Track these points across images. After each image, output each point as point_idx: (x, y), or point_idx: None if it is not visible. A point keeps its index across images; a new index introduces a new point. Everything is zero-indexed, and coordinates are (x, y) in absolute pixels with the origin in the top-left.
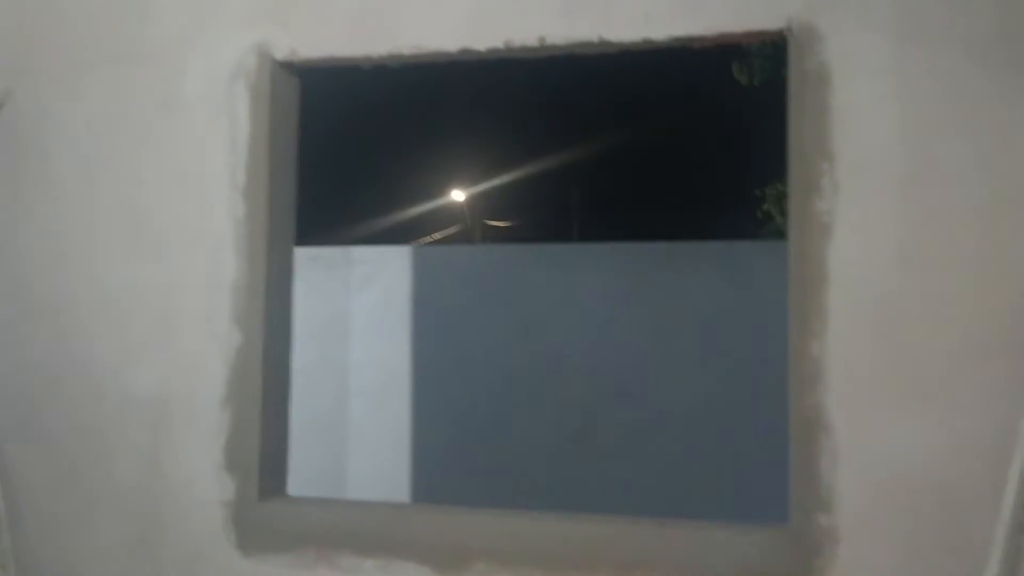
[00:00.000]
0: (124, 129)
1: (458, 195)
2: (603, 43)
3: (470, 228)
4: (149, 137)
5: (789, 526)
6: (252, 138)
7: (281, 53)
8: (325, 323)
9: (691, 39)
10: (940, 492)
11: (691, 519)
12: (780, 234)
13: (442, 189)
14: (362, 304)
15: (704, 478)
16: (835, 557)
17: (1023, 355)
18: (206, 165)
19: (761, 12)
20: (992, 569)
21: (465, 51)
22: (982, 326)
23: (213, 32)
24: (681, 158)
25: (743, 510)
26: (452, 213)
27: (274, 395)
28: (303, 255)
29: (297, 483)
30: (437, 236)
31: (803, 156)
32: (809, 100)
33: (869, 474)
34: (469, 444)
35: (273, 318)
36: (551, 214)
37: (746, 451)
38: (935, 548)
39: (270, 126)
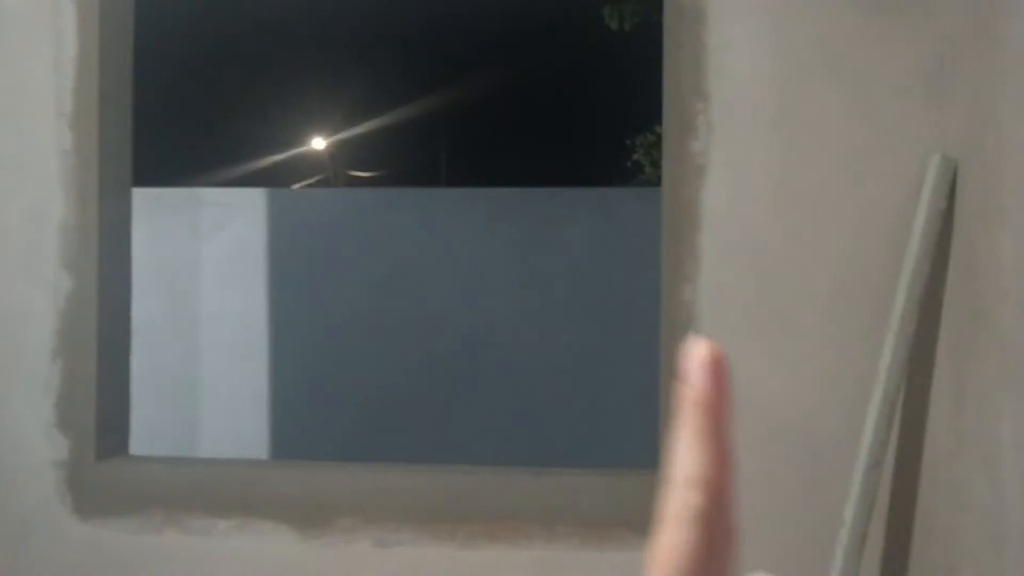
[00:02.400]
0: None
1: (319, 143)
2: None
3: (332, 178)
4: None
5: (659, 470)
6: (80, 59)
7: None
8: (172, 271)
9: None
10: (803, 432)
11: (563, 467)
12: (650, 184)
13: (302, 137)
14: (213, 251)
15: (577, 427)
16: None
17: (883, 299)
18: (28, 88)
19: None
20: (851, 504)
21: None
22: (847, 269)
23: None
24: (550, 106)
25: (616, 457)
26: (313, 162)
27: (112, 347)
28: (145, 196)
29: (144, 444)
30: (298, 187)
31: (678, 96)
32: (685, 37)
33: (737, 417)
34: (332, 399)
35: (109, 262)
36: (418, 163)
37: (619, 398)
38: (798, 486)
39: (100, 46)
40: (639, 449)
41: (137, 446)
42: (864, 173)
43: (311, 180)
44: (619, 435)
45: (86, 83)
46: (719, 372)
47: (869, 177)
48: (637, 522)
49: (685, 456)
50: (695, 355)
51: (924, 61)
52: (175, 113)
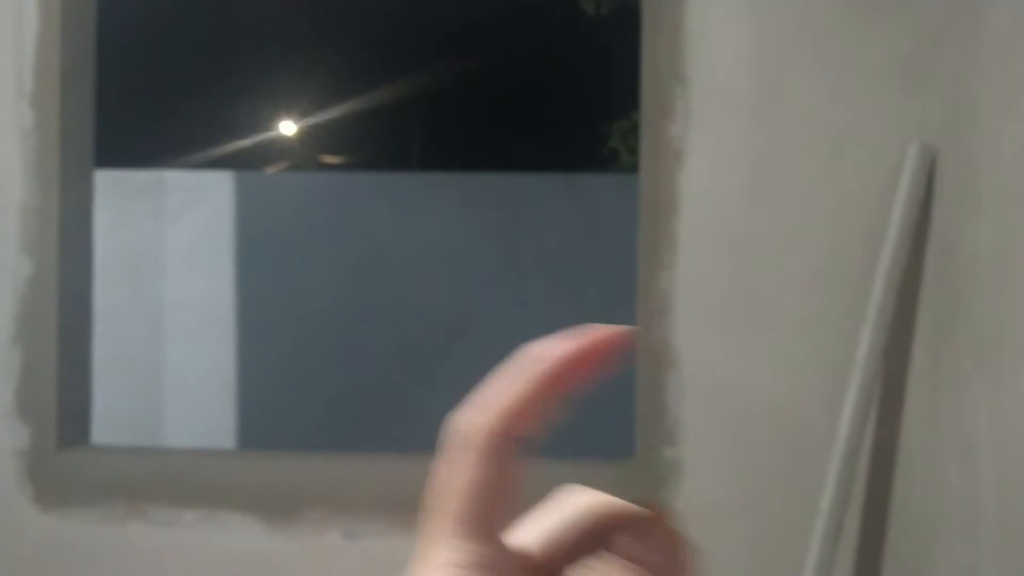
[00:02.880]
0: None
1: (288, 127)
2: None
3: (302, 164)
4: None
5: (635, 460)
6: (41, 36)
7: None
8: (136, 256)
9: None
10: (781, 421)
11: (537, 456)
12: (625, 171)
13: (270, 120)
14: (178, 236)
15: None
16: (679, 489)
17: (860, 283)
18: None
19: None
20: (828, 493)
21: None
22: (825, 256)
23: None
24: (525, 91)
25: (588, 444)
26: (282, 147)
27: (73, 333)
28: (107, 178)
29: (108, 432)
30: (266, 172)
31: (656, 79)
32: (663, 20)
33: (713, 405)
34: (301, 387)
35: (70, 245)
36: (390, 149)
37: (596, 387)
38: (776, 476)
39: (62, 23)
40: (615, 438)
41: (100, 434)
42: (843, 160)
43: (281, 166)
44: (595, 424)
45: (47, 61)
46: (593, 345)
47: (848, 164)
48: None
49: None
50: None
51: (904, 48)
52: (141, 95)
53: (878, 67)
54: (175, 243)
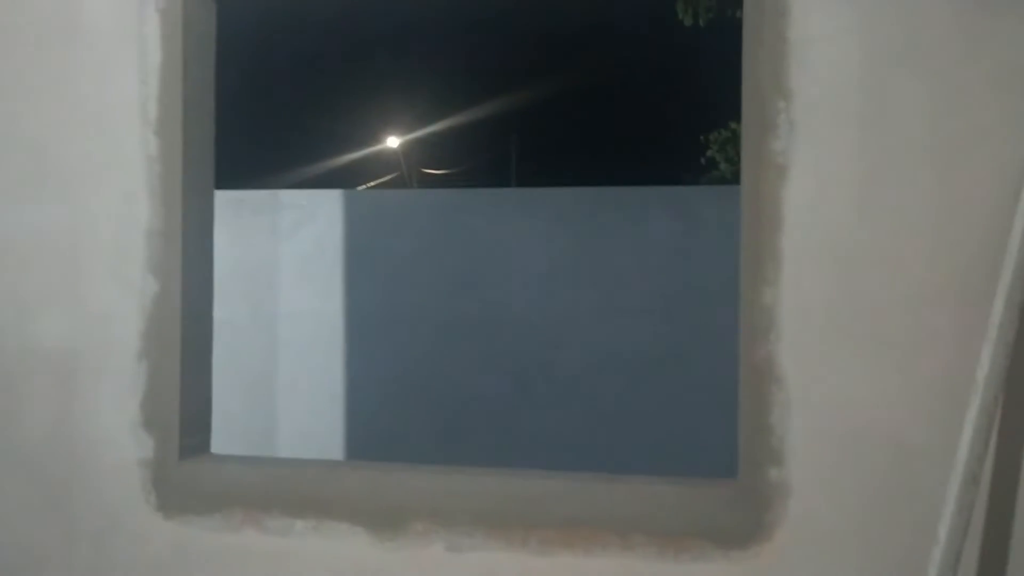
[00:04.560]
0: (20, 55)
1: (393, 142)
2: None
3: (406, 176)
4: (49, 64)
5: (738, 480)
6: (164, 67)
7: None
8: (252, 272)
9: None
10: (893, 443)
11: (637, 473)
12: (724, 180)
13: (376, 135)
14: (291, 252)
15: (650, 429)
16: (786, 511)
17: (977, 302)
18: (114, 96)
19: None
20: (946, 522)
21: None
22: (938, 272)
23: None
24: (623, 103)
25: (691, 462)
26: (387, 161)
27: (195, 348)
28: (226, 199)
29: (224, 442)
30: (371, 184)
31: (758, 93)
32: (766, 33)
33: (821, 425)
34: (406, 398)
35: (192, 265)
36: (489, 161)
37: (693, 401)
38: (888, 500)
39: (184, 54)
40: (718, 456)
41: (217, 442)
42: (957, 172)
43: (385, 178)
44: (697, 441)
45: (170, 91)
46: None
47: (963, 176)
48: (716, 533)
49: None
50: None
51: (1020, 54)
52: (254, 114)
53: (993, 75)
54: (288, 259)
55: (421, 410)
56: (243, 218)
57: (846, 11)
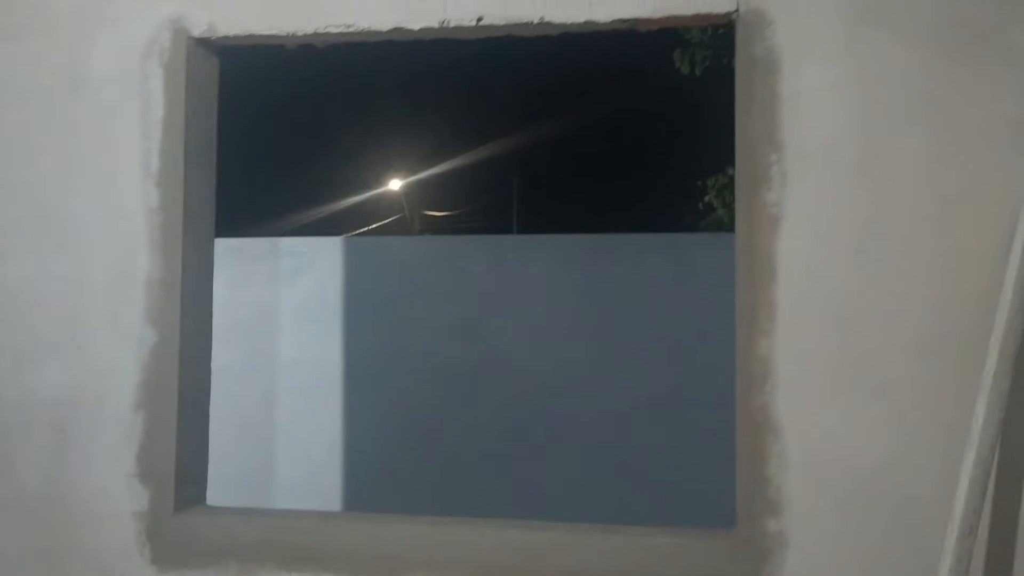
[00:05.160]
0: (25, 109)
1: (395, 184)
2: (543, 24)
3: (408, 218)
4: (53, 118)
5: (737, 531)
6: (167, 120)
7: (198, 29)
8: (251, 319)
9: (637, 21)
10: (891, 494)
11: (635, 523)
12: (721, 225)
13: (378, 178)
14: (291, 298)
15: (648, 478)
16: (784, 563)
17: (973, 353)
18: (116, 149)
19: None
20: (944, 572)
21: (397, 30)
22: (933, 323)
23: (122, 5)
24: (621, 147)
25: (689, 511)
26: (389, 203)
27: (192, 398)
28: (225, 247)
29: (220, 489)
30: (373, 227)
31: (751, 146)
32: (757, 87)
33: (819, 476)
34: (404, 445)
35: (191, 316)
36: (491, 203)
37: (691, 450)
38: (886, 551)
39: (186, 108)
40: (719, 505)
41: (212, 490)
42: (950, 223)
43: (387, 220)
44: (697, 489)
45: (172, 143)
46: None
47: (956, 227)
48: None
49: None
50: None
51: (1012, 107)
52: (255, 159)
53: (986, 128)
54: (288, 305)
55: (419, 457)
56: (242, 266)
57: (835, 66)
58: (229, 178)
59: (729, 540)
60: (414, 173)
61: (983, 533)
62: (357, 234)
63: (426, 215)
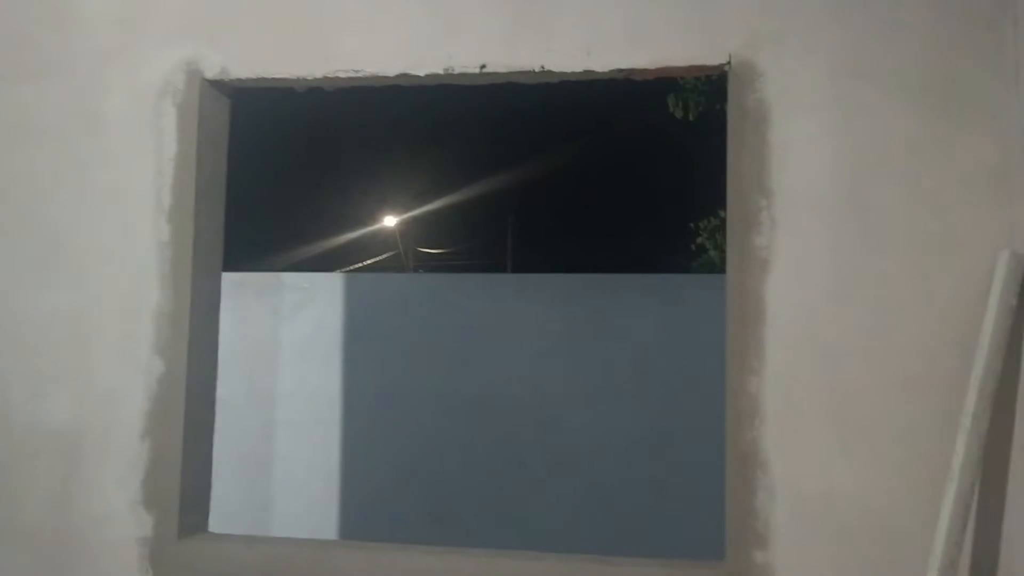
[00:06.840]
0: (42, 146)
1: (390, 221)
2: (544, 72)
3: (403, 255)
4: (69, 155)
5: (726, 562)
6: (179, 158)
7: (211, 71)
8: (253, 351)
9: (633, 71)
10: (874, 526)
11: (630, 554)
12: (713, 266)
13: (374, 215)
14: (292, 332)
15: (639, 512)
16: None
17: (954, 392)
18: (129, 185)
19: (703, 47)
20: None
21: (404, 76)
22: (915, 362)
23: (139, 47)
24: (615, 189)
25: (678, 545)
26: (384, 239)
27: (197, 428)
28: (230, 280)
29: (220, 518)
30: (369, 263)
31: (741, 192)
32: (748, 136)
33: (805, 510)
34: (401, 478)
35: (198, 347)
36: (485, 241)
37: (681, 485)
38: None
39: (198, 146)
40: (706, 538)
41: (213, 520)
42: (931, 268)
43: (382, 256)
44: (690, 523)
45: (184, 180)
46: None
47: (936, 272)
48: None
49: None
50: None
51: (992, 157)
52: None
53: (967, 176)
54: (289, 339)
55: (416, 490)
56: (246, 299)
57: (823, 116)
58: (233, 212)
59: (718, 571)
60: (409, 210)
61: (964, 565)
62: (351, 270)
63: (420, 252)
